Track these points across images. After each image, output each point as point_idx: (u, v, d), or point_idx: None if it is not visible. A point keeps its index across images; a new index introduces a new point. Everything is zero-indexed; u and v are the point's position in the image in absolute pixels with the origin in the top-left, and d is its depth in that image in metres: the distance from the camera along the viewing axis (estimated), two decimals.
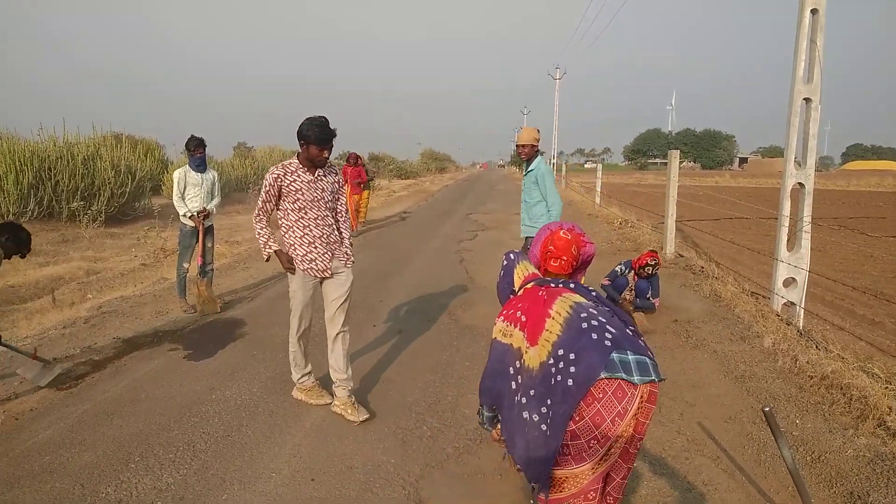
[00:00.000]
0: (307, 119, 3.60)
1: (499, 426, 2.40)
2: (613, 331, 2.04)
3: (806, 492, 2.48)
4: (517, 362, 2.20)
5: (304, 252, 3.74)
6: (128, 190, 15.22)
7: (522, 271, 2.48)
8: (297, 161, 3.72)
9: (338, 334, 3.86)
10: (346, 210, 3.98)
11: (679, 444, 3.53)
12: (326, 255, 3.78)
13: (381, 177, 34.59)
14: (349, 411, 3.82)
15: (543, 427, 2.04)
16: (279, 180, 3.67)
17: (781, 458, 2.54)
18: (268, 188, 3.71)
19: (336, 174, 3.88)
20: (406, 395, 4.21)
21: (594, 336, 2.01)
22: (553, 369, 2.04)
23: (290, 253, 3.77)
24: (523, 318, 2.23)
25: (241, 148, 37.42)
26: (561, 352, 2.04)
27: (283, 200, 3.72)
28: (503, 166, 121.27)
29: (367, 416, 3.80)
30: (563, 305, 2.16)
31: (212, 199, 6.44)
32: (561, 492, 2.07)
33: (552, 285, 2.31)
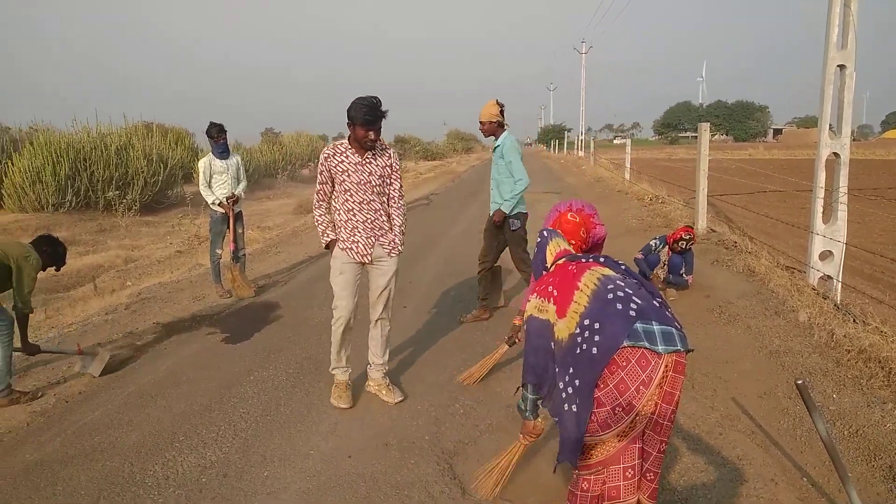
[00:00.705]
0: (356, 99, 3.45)
1: (539, 418, 2.49)
2: (639, 301, 2.08)
3: (842, 464, 2.47)
4: (552, 336, 2.24)
5: (347, 235, 3.65)
6: (160, 178, 15.55)
7: (555, 248, 2.54)
8: (347, 142, 3.63)
9: (377, 321, 3.84)
10: (401, 196, 3.83)
11: (713, 420, 3.52)
12: (369, 241, 3.66)
13: (406, 159, 34.57)
14: (384, 392, 3.85)
15: (574, 396, 2.09)
16: (329, 160, 3.59)
17: (816, 432, 2.52)
18: (321, 170, 3.64)
19: (389, 157, 3.71)
20: (439, 374, 4.27)
21: (619, 306, 2.05)
22: (579, 339, 2.09)
23: (335, 232, 3.71)
24: (555, 293, 2.27)
25: (269, 134, 37.76)
26: (587, 322, 2.09)
27: (334, 180, 3.66)
28: (530, 144, 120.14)
29: (401, 397, 3.84)
30: (591, 278, 2.21)
31: (238, 184, 6.54)
32: (589, 459, 2.12)
33: (582, 260, 2.36)
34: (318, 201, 3.72)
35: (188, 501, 2.86)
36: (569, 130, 70.12)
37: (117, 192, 14.18)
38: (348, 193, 3.60)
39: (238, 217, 6.50)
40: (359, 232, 3.63)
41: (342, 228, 3.66)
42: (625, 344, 1.99)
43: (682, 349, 2.03)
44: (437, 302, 6.10)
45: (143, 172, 14.93)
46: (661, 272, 6.14)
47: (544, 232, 2.65)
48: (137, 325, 5.61)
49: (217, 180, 6.41)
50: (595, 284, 2.18)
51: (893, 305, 6.00)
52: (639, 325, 2.01)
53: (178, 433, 3.52)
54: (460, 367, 4.38)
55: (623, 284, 2.17)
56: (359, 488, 2.93)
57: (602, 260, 2.38)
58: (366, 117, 3.41)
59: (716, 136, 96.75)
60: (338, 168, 3.57)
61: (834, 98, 6.20)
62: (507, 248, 5.30)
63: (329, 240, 3.67)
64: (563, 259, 2.44)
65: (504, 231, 5.17)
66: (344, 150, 3.60)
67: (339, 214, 3.66)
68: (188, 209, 14.32)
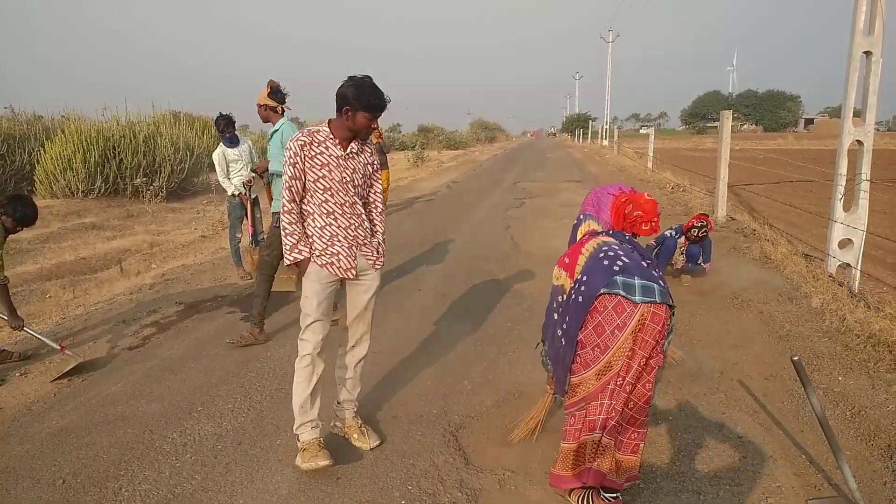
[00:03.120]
0: (351, 79, 2.82)
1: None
2: (626, 260, 2.42)
3: (833, 437, 2.50)
4: (560, 297, 2.62)
5: (325, 245, 2.94)
6: (186, 166, 15.84)
7: (585, 228, 2.89)
8: (327, 129, 2.91)
9: (354, 345, 3.17)
10: (383, 199, 3.31)
11: (717, 400, 3.56)
12: (352, 252, 2.97)
13: (430, 148, 34.59)
14: (356, 435, 3.17)
15: (562, 338, 2.47)
16: (305, 150, 2.86)
17: (810, 407, 2.57)
18: (293, 161, 2.86)
19: (371, 153, 3.08)
20: (448, 353, 4.36)
21: (605, 262, 2.42)
22: (573, 290, 2.48)
23: (308, 246, 2.95)
24: (566, 261, 2.66)
25: (294, 122, 38.11)
26: (580, 276, 2.49)
27: (306, 177, 2.91)
28: (554, 134, 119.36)
29: (378, 440, 3.17)
30: (592, 244, 2.60)
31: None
32: (574, 396, 2.48)
33: (599, 234, 2.75)
34: (289, 202, 2.91)
35: (203, 467, 3.00)
36: (594, 120, 69.46)
37: (145, 179, 14.50)
38: (329, 193, 2.90)
39: (255, 202, 6.65)
40: (339, 241, 2.94)
41: (317, 238, 2.94)
42: (602, 291, 2.34)
43: (658, 301, 2.31)
44: (451, 285, 6.18)
45: (169, 160, 15.23)
46: (679, 259, 6.13)
47: (581, 215, 2.99)
48: (160, 305, 5.80)
49: (234, 168, 6.60)
50: (593, 248, 2.56)
51: None
52: (619, 278, 2.34)
53: (196, 404, 3.68)
54: (470, 346, 4.47)
55: (617, 248, 2.51)
56: (366, 456, 3.05)
57: (611, 233, 2.73)
58: (372, 101, 2.82)
59: (745, 126, 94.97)
60: (316, 161, 2.87)
61: (859, 85, 6.12)
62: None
63: (301, 258, 2.92)
64: (588, 235, 2.76)
65: (274, 229, 4.61)
66: (323, 139, 2.90)
67: (313, 220, 2.94)
68: (213, 196, 14.60)
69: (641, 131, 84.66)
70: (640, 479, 2.74)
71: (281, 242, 4.14)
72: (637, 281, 2.33)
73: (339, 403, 3.24)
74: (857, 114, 6.24)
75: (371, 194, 3.15)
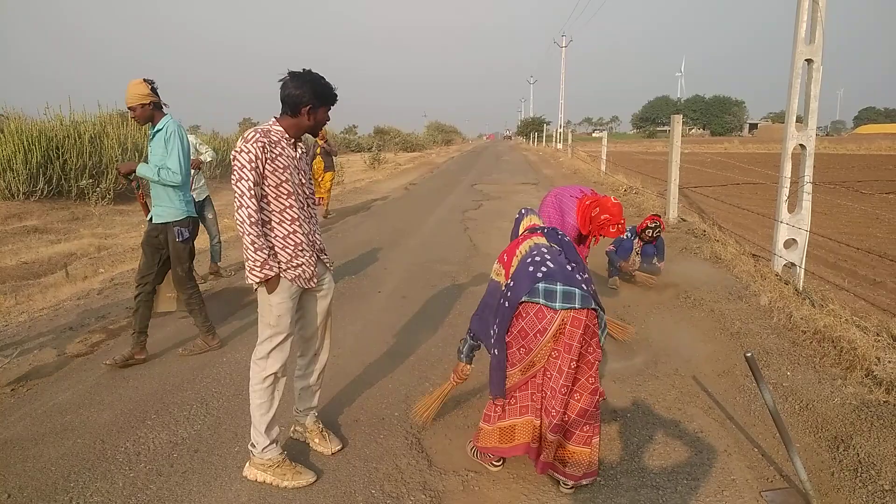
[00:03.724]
0: (295, 77, 2.65)
1: (470, 364, 3.03)
2: (551, 265, 2.56)
3: (785, 431, 2.60)
4: (498, 294, 2.71)
5: (290, 256, 2.73)
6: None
7: (526, 223, 3.00)
8: (280, 129, 2.70)
9: (317, 354, 3.06)
10: (325, 201, 3.14)
11: (672, 397, 3.65)
12: (312, 260, 2.84)
13: (386, 150, 34.48)
14: (317, 440, 3.09)
15: (494, 342, 2.65)
16: (266, 152, 2.59)
17: (763, 402, 2.65)
18: (253, 165, 2.55)
19: (304, 149, 2.90)
20: (409, 355, 4.35)
21: (531, 269, 2.56)
22: (502, 294, 2.64)
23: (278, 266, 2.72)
24: (505, 258, 2.78)
25: (247, 124, 37.38)
26: (509, 281, 2.64)
27: (263, 185, 2.65)
28: (510, 137, 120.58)
29: (339, 445, 3.10)
30: (526, 245, 2.73)
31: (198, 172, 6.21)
32: (504, 382, 2.65)
33: (536, 232, 2.84)
34: (253, 212, 2.57)
35: (159, 476, 2.91)
36: (548, 123, 70.44)
37: (90, 181, 13.98)
38: (293, 198, 2.71)
39: (206, 202, 6.29)
40: (303, 251, 2.78)
41: (279, 250, 2.72)
42: (524, 299, 2.50)
43: (579, 307, 2.46)
44: (411, 287, 6.17)
45: (117, 161, 14.74)
46: (636, 260, 6.25)
47: (523, 210, 3.12)
48: (110, 310, 5.60)
49: None
50: (525, 250, 2.69)
51: (853, 291, 6.22)
52: (540, 285, 2.49)
53: (150, 412, 3.56)
54: (431, 348, 4.46)
55: (545, 251, 2.65)
56: (327, 461, 3.00)
57: (546, 231, 2.86)
58: (332, 93, 2.72)
59: (693, 131, 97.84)
60: (278, 164, 2.63)
61: (801, 91, 6.37)
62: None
63: (273, 274, 2.66)
64: (526, 231, 2.89)
65: (168, 242, 4.21)
66: (278, 139, 2.67)
67: (271, 230, 2.71)
68: None
69: (594, 135, 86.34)
70: (599, 476, 2.79)
71: (185, 254, 4.24)
72: (559, 287, 2.48)
73: (299, 410, 3.14)
74: (800, 119, 6.50)
75: (311, 192, 2.97)
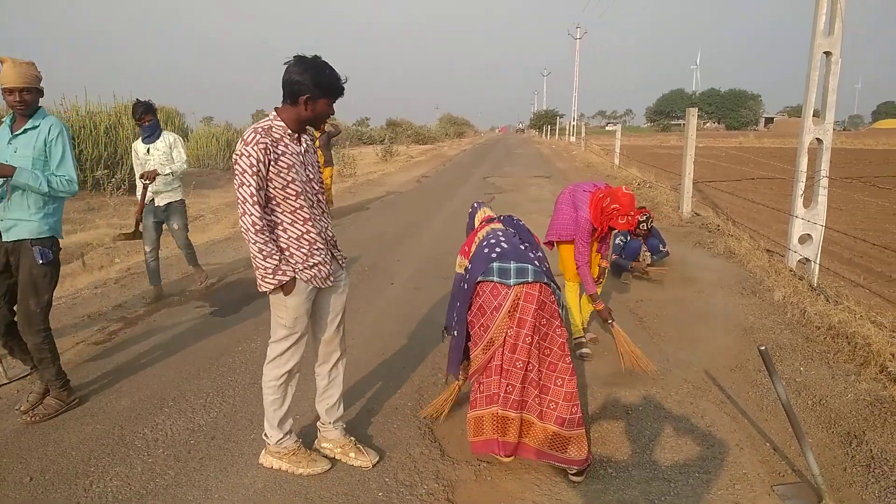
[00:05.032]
0: (300, 62, 2.48)
1: (465, 360, 3.03)
2: (505, 246, 2.75)
3: (798, 425, 2.60)
4: (462, 284, 2.87)
5: (305, 256, 2.64)
6: None
7: (481, 215, 3.19)
8: (281, 123, 2.55)
9: (338, 360, 2.96)
10: (326, 198, 2.98)
11: (685, 391, 3.66)
12: (327, 258, 2.74)
13: (398, 143, 34.46)
14: (352, 454, 2.93)
15: (456, 320, 2.83)
16: (268, 153, 2.45)
17: (776, 395, 2.66)
18: (256, 169, 2.42)
19: (310, 142, 2.77)
20: (422, 346, 4.38)
21: (486, 251, 2.76)
22: (462, 278, 2.85)
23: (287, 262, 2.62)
24: (466, 248, 2.99)
25: (260, 115, 37.52)
26: (468, 265, 2.84)
27: (269, 187, 2.53)
28: (522, 130, 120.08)
29: (377, 457, 2.95)
30: (482, 232, 2.94)
31: (175, 179, 5.48)
32: (471, 368, 2.80)
33: (493, 220, 3.08)
34: (258, 219, 2.47)
35: (177, 461, 2.97)
36: (561, 116, 70.12)
37: (106, 172, 14.12)
38: (302, 198, 2.59)
39: (171, 210, 5.51)
40: (318, 249, 2.69)
41: (294, 250, 2.62)
42: (479, 279, 2.69)
43: (531, 280, 2.62)
44: (424, 279, 6.20)
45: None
46: (646, 256, 6.18)
47: (475, 204, 3.34)
48: (127, 299, 5.68)
49: (143, 167, 5.36)
50: (483, 236, 2.90)
51: (868, 288, 6.17)
52: (495, 265, 2.67)
53: (168, 399, 3.62)
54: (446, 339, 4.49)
55: (500, 234, 2.86)
56: None
57: (502, 218, 3.10)
58: (335, 85, 2.54)
59: (707, 125, 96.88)
60: (282, 163, 2.50)
61: (819, 85, 6.31)
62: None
63: (288, 279, 2.56)
64: (483, 222, 3.09)
65: (25, 266, 3.31)
66: (280, 136, 2.53)
67: (285, 231, 2.61)
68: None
69: (608, 128, 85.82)
70: (611, 468, 2.81)
71: (45, 284, 3.34)
72: (512, 265, 2.66)
73: (324, 424, 2.99)
74: (817, 113, 6.44)
75: (321, 188, 2.83)
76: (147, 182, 5.27)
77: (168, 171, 5.33)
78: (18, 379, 3.93)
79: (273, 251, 2.52)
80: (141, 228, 5.58)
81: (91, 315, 5.22)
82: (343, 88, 2.57)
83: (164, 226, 5.64)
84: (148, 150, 5.34)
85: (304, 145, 2.66)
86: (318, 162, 2.78)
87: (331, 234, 2.82)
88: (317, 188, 2.73)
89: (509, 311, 2.62)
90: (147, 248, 5.57)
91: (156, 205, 5.43)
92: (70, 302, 5.66)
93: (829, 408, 3.39)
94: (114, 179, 14.22)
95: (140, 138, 5.39)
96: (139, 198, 5.38)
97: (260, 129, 2.47)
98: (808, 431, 3.13)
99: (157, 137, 5.35)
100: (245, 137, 2.45)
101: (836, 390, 3.56)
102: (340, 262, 2.88)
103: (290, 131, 2.56)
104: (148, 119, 5.26)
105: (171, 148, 5.38)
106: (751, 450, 3.03)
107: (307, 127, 2.67)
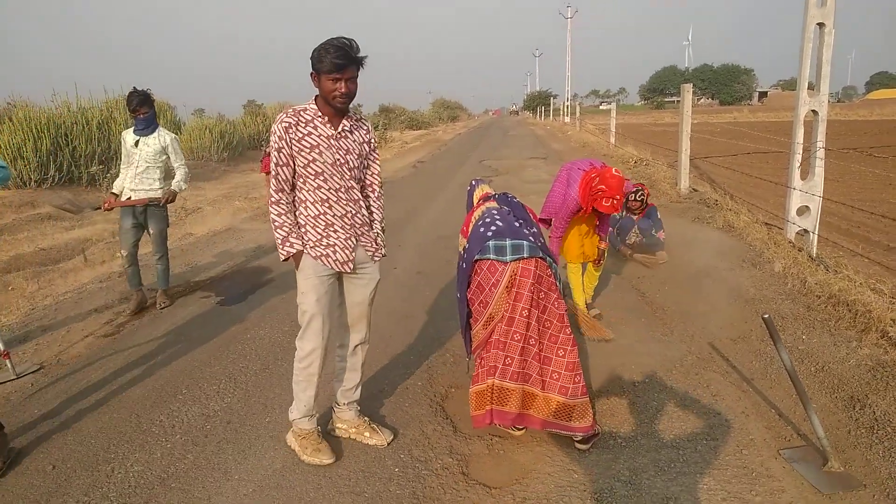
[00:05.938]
0: (329, 39, 2.56)
1: None
2: (500, 224, 2.81)
3: (803, 390, 2.66)
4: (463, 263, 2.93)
5: (319, 236, 2.71)
6: None
7: (479, 193, 3.22)
8: (314, 107, 2.66)
9: (357, 346, 2.99)
10: (381, 183, 2.99)
11: (690, 362, 3.72)
12: (349, 243, 2.76)
13: (392, 129, 34.29)
14: (367, 434, 3.00)
15: (458, 299, 2.92)
16: (291, 132, 2.60)
17: (780, 362, 2.71)
18: (279, 146, 2.62)
19: (368, 131, 2.84)
20: (430, 328, 4.43)
21: (482, 230, 2.81)
22: (461, 258, 2.91)
23: (301, 237, 2.72)
24: (465, 228, 3.08)
25: (252, 105, 37.29)
26: (466, 244, 2.90)
27: (296, 163, 2.67)
28: (516, 112, 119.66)
29: (391, 435, 3.02)
30: (478, 212, 3.01)
31: (159, 179, 5.06)
32: (473, 343, 2.86)
33: (489, 199, 3.11)
34: (276, 192, 2.68)
35: (195, 446, 3.02)
36: (555, 97, 69.83)
37: (100, 167, 14.07)
38: (321, 178, 2.66)
39: (153, 213, 5.15)
40: (335, 231, 2.72)
41: (310, 228, 2.72)
42: (476, 257, 2.73)
43: (527, 256, 2.66)
44: (426, 263, 6.25)
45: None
46: (634, 237, 6.01)
47: (473, 181, 3.36)
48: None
49: (128, 161, 5.01)
50: (478, 216, 2.96)
51: (866, 256, 6.24)
52: (490, 242, 2.72)
53: (181, 387, 3.67)
54: (450, 320, 4.54)
55: (495, 213, 2.91)
56: None
57: (497, 197, 3.14)
58: (334, 60, 2.49)
59: (701, 100, 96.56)
60: (304, 143, 2.62)
61: (813, 56, 6.32)
62: None
63: (294, 251, 2.69)
64: (480, 200, 3.13)
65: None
66: (311, 118, 2.65)
67: (305, 209, 2.71)
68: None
69: (602, 107, 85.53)
70: (620, 438, 2.87)
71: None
72: (508, 242, 2.71)
73: (339, 405, 3.05)
74: (811, 85, 6.46)
75: (368, 176, 2.90)
76: (166, 203, 5.11)
77: (184, 187, 5.16)
78: (27, 375, 3.98)
79: (284, 223, 2.69)
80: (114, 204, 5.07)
81: (98, 308, 5.26)
82: (342, 64, 2.50)
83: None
84: (137, 143, 4.94)
85: (340, 130, 2.67)
86: (360, 147, 2.76)
87: (358, 222, 2.78)
88: (347, 173, 2.70)
89: (507, 287, 2.68)
90: (123, 253, 5.16)
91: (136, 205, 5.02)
92: (76, 297, 5.70)
93: (831, 373, 3.45)
94: (109, 175, 14.19)
95: (132, 128, 5.03)
96: (122, 198, 5.05)
97: (290, 111, 2.67)
98: (812, 397, 3.19)
99: (152, 132, 5.00)
100: (278, 117, 2.67)
101: (838, 356, 3.63)
102: (373, 255, 2.88)
103: (320, 114, 2.65)
104: (144, 111, 4.90)
105: (164, 150, 5.03)
106: (756, 416, 3.09)
107: (347, 108, 2.68)
